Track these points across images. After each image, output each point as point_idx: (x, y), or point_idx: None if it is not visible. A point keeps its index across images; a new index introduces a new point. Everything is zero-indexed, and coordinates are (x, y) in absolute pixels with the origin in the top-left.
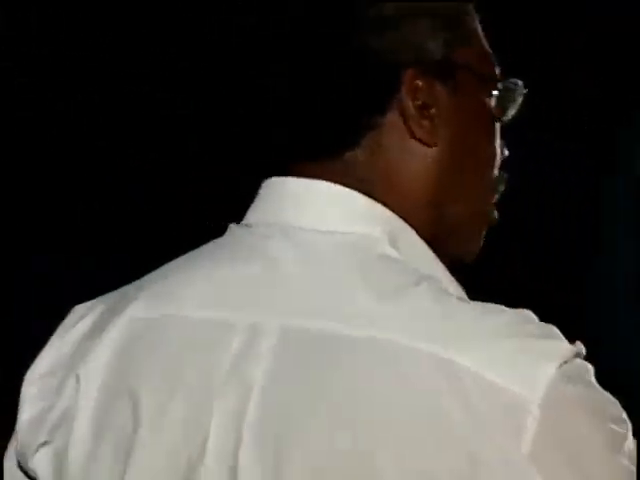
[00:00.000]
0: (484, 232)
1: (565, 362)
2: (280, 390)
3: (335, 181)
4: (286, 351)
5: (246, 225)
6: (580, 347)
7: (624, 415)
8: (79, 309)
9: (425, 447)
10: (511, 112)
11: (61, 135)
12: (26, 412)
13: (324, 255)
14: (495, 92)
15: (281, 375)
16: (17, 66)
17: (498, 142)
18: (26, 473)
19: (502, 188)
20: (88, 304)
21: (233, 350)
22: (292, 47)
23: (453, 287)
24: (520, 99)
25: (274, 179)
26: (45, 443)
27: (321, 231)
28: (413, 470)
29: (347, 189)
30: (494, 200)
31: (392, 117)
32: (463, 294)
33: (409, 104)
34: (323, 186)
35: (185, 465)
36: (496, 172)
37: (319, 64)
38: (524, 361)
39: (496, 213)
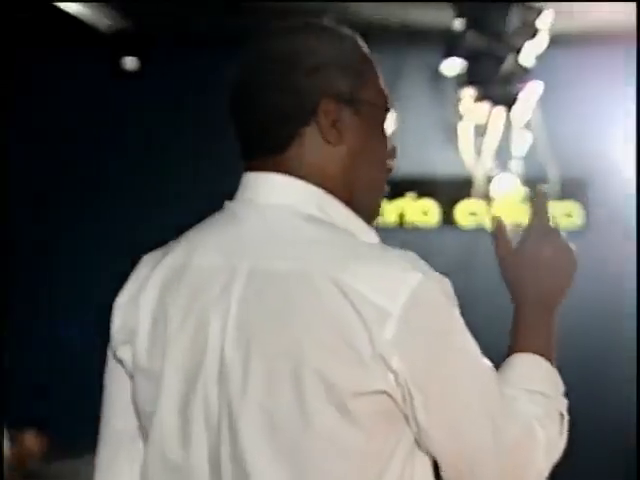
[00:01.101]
0: (380, 200)
1: (419, 286)
2: (246, 306)
3: (279, 171)
4: (250, 283)
5: (232, 201)
6: (434, 276)
7: (457, 317)
8: (145, 258)
9: (331, 340)
10: (393, 125)
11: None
12: (115, 323)
13: (274, 218)
14: (386, 115)
15: (247, 296)
16: None
17: (387, 143)
18: (117, 360)
19: (390, 171)
20: (150, 254)
21: (220, 284)
22: (258, 91)
23: (368, 236)
24: (395, 118)
25: (248, 173)
26: (125, 342)
27: (272, 204)
28: (324, 351)
29: (286, 176)
30: (385, 180)
31: (313, 128)
32: (375, 240)
33: (323, 120)
34: (271, 175)
35: (198, 355)
36: (385, 161)
37: (270, 97)
38: (392, 284)
39: (386, 189)
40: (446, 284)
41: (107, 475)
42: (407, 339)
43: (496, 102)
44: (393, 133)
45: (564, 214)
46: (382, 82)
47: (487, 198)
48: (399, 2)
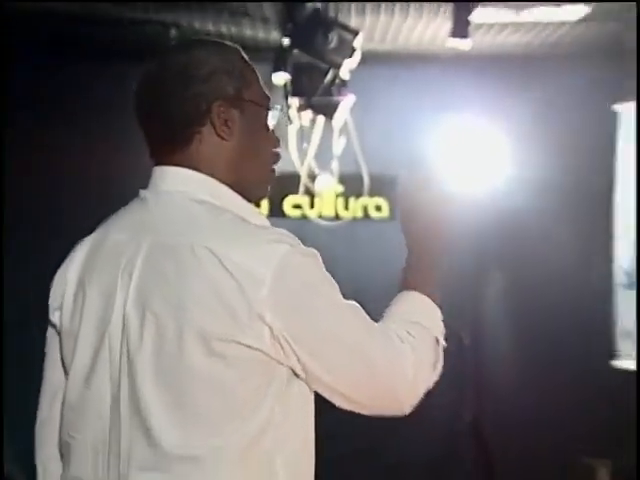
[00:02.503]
0: (268, 184)
1: (286, 253)
2: (145, 274)
3: (182, 165)
4: (149, 255)
5: (143, 190)
6: (301, 247)
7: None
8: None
9: (209, 300)
10: (274, 121)
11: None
12: (50, 294)
13: (172, 203)
14: (267, 113)
15: (146, 265)
16: None
17: (270, 136)
18: (51, 325)
19: (277, 159)
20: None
21: (127, 256)
22: (162, 98)
23: (256, 218)
24: (278, 114)
25: (156, 167)
26: (56, 308)
27: (171, 190)
28: (205, 312)
29: (185, 169)
30: (272, 166)
31: (208, 127)
32: (263, 222)
33: (215, 120)
34: (173, 168)
35: (107, 314)
36: (271, 151)
37: (172, 103)
38: (264, 254)
39: (274, 174)
40: (312, 254)
41: (46, 423)
42: (278, 295)
43: (318, 111)
44: (275, 127)
45: (374, 207)
46: (262, 86)
47: (310, 193)
48: (234, 22)
